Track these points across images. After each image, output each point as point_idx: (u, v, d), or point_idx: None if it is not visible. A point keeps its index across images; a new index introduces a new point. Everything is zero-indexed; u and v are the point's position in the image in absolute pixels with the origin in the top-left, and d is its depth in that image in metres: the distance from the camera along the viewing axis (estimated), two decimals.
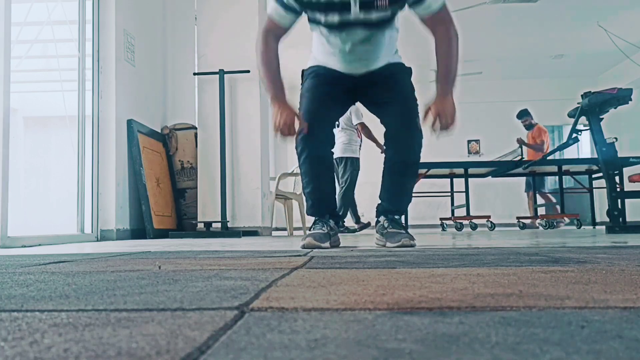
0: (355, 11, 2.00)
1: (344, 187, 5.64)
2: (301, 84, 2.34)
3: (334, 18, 2.03)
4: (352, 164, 5.69)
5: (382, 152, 2.36)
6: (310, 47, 2.36)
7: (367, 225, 6.02)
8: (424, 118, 2.04)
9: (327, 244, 2.17)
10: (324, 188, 2.27)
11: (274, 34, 2.15)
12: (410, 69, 2.34)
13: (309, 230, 2.27)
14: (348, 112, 5.81)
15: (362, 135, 5.79)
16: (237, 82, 5.03)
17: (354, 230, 5.90)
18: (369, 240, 2.95)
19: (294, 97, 2.20)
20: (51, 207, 5.96)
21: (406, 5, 2.08)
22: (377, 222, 2.30)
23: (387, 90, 2.22)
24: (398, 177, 2.22)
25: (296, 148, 2.21)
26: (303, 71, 2.36)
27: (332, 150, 2.29)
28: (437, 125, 2.00)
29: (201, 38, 5.15)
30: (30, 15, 5.04)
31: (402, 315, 0.56)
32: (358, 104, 2.42)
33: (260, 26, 2.20)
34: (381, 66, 2.24)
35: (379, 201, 2.30)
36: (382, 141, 2.32)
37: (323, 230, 2.20)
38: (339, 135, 5.62)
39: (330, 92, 2.23)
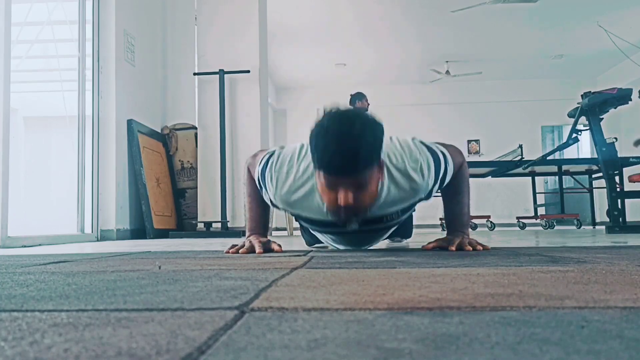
0: (354, 228, 1.63)
1: None
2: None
3: (327, 229, 1.80)
4: None
5: None
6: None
7: None
8: (429, 247, 1.77)
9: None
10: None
11: None
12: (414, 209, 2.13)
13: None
14: None
15: None
16: (237, 82, 5.03)
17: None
18: None
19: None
20: (51, 207, 5.96)
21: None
22: None
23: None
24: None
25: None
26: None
27: None
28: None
29: (201, 38, 5.15)
30: (30, 15, 5.04)
31: (402, 315, 0.56)
32: None
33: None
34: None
35: None
36: None
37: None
38: None
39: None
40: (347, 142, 1.36)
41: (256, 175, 1.72)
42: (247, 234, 1.81)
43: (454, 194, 1.77)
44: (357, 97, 5.93)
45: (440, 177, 1.63)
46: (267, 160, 1.67)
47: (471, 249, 1.66)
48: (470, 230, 1.82)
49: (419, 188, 1.60)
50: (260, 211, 1.82)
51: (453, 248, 1.67)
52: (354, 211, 1.46)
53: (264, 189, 1.70)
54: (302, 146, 1.66)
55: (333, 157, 1.38)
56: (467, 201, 1.78)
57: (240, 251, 1.68)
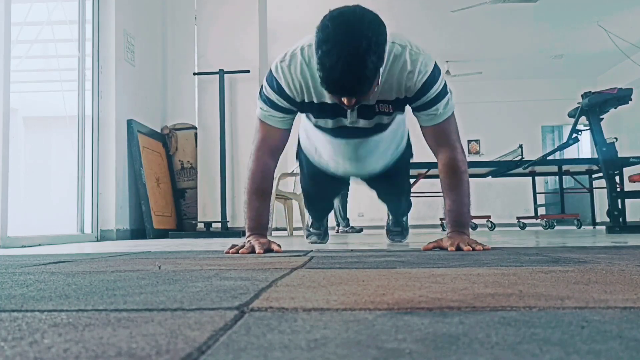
0: (351, 117, 1.73)
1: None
2: (296, 156, 2.31)
3: (327, 123, 1.79)
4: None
5: None
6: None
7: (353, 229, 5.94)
8: (429, 248, 1.75)
9: (326, 240, 2.72)
10: (325, 208, 2.68)
11: (270, 148, 1.78)
12: (410, 154, 2.25)
13: (309, 228, 2.74)
14: None
15: None
16: (237, 82, 5.03)
17: (360, 230, 5.88)
18: (370, 240, 2.96)
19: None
20: (51, 207, 5.96)
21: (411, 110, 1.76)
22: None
23: (383, 179, 2.23)
24: (397, 210, 2.68)
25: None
26: (299, 143, 2.24)
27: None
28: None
29: (201, 38, 5.15)
30: (30, 15, 5.04)
31: (402, 315, 0.56)
32: None
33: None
34: (381, 169, 2.14)
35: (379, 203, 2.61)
36: None
37: (321, 231, 2.70)
38: None
39: (330, 178, 2.23)
40: (352, 68, 1.38)
41: (258, 108, 1.75)
42: (247, 233, 1.80)
43: (455, 194, 1.76)
44: None
45: (431, 89, 1.63)
46: (268, 74, 1.71)
47: (470, 249, 1.65)
48: (470, 230, 1.82)
49: (406, 75, 1.60)
50: (260, 209, 1.80)
51: (452, 248, 1.67)
52: (357, 104, 1.56)
53: (275, 97, 1.69)
54: (293, 54, 1.65)
55: (337, 83, 1.43)
56: (468, 202, 1.78)
57: (240, 251, 1.67)
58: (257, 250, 1.67)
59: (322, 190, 2.32)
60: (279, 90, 1.68)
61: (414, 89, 1.62)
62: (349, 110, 1.66)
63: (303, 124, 2.02)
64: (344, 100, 1.50)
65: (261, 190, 1.78)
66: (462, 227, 1.76)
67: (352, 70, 1.38)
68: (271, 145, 1.77)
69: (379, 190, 2.41)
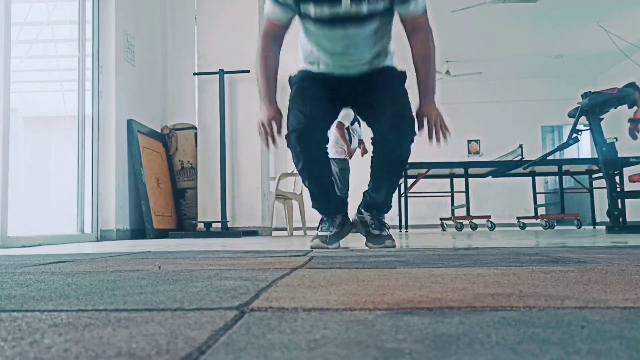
0: (345, 3, 1.96)
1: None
2: (291, 90, 2.27)
3: (324, 11, 2.00)
4: (338, 165, 5.66)
5: (362, 156, 2.47)
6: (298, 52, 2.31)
7: None
8: (419, 128, 2.10)
9: (335, 245, 2.16)
10: (326, 188, 2.22)
11: (273, 35, 2.14)
12: (404, 73, 2.27)
13: (317, 229, 2.26)
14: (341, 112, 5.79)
15: (339, 135, 5.67)
16: (237, 82, 5.03)
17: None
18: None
19: (287, 96, 2.19)
20: (51, 207, 5.96)
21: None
22: (360, 211, 2.26)
23: (378, 95, 2.15)
24: (387, 175, 2.17)
25: (290, 147, 2.10)
26: (290, 78, 2.29)
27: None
28: (432, 133, 2.08)
29: (201, 38, 5.15)
30: (30, 15, 5.04)
31: (402, 315, 0.56)
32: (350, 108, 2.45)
33: (260, 26, 2.21)
34: (374, 69, 2.20)
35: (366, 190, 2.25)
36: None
37: (330, 232, 2.19)
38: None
39: (322, 94, 2.17)
40: None
41: (265, 7, 2.10)
42: (261, 99, 2.15)
43: (427, 66, 2.15)
44: None
45: None
46: None
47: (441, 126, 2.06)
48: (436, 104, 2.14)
49: None
50: (271, 77, 2.15)
51: (424, 128, 2.09)
52: None
53: None
54: None
55: None
56: (434, 72, 2.21)
57: (266, 124, 2.07)
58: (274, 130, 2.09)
59: (316, 108, 2.09)
60: None
61: None
62: None
63: (301, 35, 2.25)
64: None
65: (268, 61, 2.14)
66: (431, 90, 2.15)
67: None
68: (274, 33, 2.14)
69: (377, 115, 2.12)
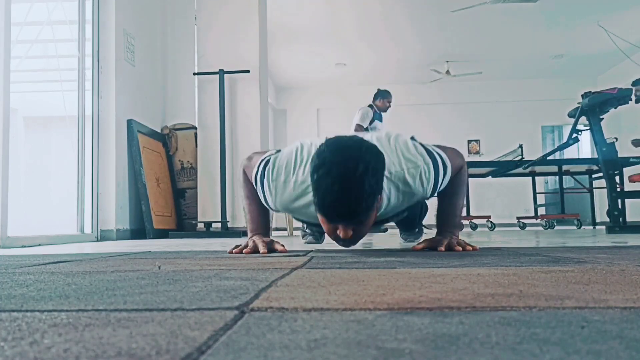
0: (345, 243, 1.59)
1: None
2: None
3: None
4: None
5: None
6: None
7: None
8: (418, 247, 1.75)
9: (322, 240, 2.52)
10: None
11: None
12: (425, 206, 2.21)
13: (306, 229, 2.60)
14: (358, 112, 5.80)
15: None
16: (237, 82, 5.03)
17: (385, 230, 5.87)
18: (370, 240, 2.96)
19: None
20: (51, 207, 5.96)
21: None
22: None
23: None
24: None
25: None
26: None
27: None
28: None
29: (201, 38, 5.15)
30: (30, 15, 5.04)
31: (402, 315, 0.56)
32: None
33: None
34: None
35: None
36: None
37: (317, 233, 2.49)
38: None
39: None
40: (348, 191, 1.32)
41: (253, 181, 1.73)
42: (249, 234, 1.80)
43: (449, 195, 1.76)
44: (382, 94, 5.92)
45: (439, 184, 1.64)
46: (263, 169, 1.66)
47: (461, 249, 1.67)
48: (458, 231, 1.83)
49: (416, 193, 1.61)
50: (261, 212, 1.82)
51: (442, 248, 1.67)
52: (354, 240, 1.50)
53: (262, 196, 1.70)
54: (297, 150, 1.64)
55: (333, 206, 1.36)
56: (461, 203, 1.79)
57: (244, 251, 1.67)
58: (261, 250, 1.66)
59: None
60: (264, 200, 1.70)
61: (430, 191, 1.63)
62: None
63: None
64: (340, 231, 1.43)
65: (258, 197, 1.76)
66: (453, 228, 1.77)
67: (348, 193, 1.32)
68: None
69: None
